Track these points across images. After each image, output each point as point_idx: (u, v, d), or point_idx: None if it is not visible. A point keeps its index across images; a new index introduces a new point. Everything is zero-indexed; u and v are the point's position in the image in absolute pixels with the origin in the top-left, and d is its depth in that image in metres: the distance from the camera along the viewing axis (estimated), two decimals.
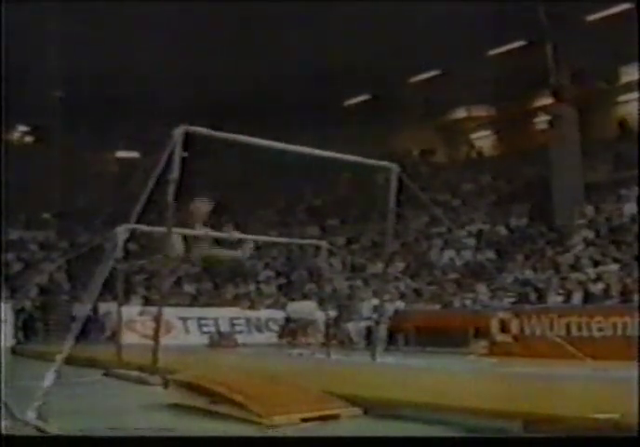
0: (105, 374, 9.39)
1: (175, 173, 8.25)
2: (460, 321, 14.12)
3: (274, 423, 5.35)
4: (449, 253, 19.55)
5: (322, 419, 5.56)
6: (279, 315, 17.67)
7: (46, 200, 25.32)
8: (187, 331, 17.36)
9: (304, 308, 16.66)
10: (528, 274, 16.17)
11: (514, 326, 12.78)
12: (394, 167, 10.46)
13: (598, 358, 9.86)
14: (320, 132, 20.43)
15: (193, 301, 20.22)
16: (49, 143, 26.17)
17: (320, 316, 15.49)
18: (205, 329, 17.51)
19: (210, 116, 12.60)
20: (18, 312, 16.93)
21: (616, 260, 14.81)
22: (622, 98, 21.74)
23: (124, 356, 10.36)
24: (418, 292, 17.14)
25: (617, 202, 17.98)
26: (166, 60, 20.23)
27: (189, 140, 8.27)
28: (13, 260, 21.61)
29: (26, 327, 17.48)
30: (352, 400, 5.94)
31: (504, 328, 12.93)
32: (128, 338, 13.21)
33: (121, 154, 28.78)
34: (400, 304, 16.05)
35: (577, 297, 13.69)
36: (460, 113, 26.90)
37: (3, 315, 13.76)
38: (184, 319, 17.38)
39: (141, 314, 16.00)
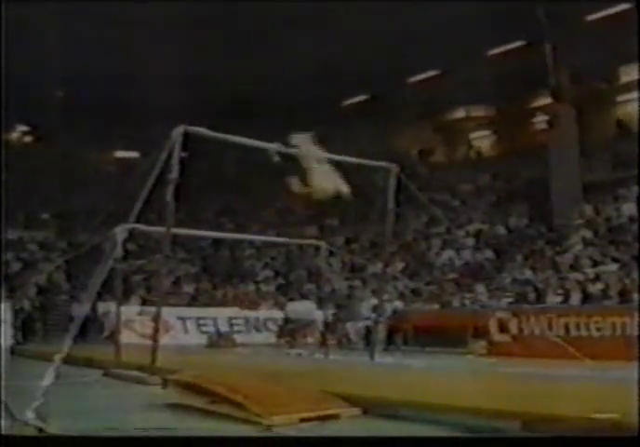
0: (105, 374, 9.39)
1: (174, 173, 8.26)
2: (458, 321, 14.13)
3: (273, 423, 5.35)
4: (448, 253, 19.56)
5: (321, 419, 5.56)
6: (278, 315, 17.67)
7: (46, 200, 25.33)
8: (186, 330, 17.36)
9: (303, 308, 16.66)
10: (527, 274, 16.19)
11: (513, 326, 12.80)
12: (393, 167, 10.48)
13: (597, 358, 9.87)
14: (320, 132, 20.39)
15: (192, 301, 20.23)
16: (49, 143, 26.18)
17: (319, 316, 15.50)
18: (203, 329, 17.51)
19: (210, 117, 12.61)
20: (17, 312, 16.89)
21: (615, 260, 14.82)
22: (621, 98, 21.73)
23: (123, 356, 10.36)
24: (416, 292, 17.16)
25: (615, 202, 17.99)
26: (166, 61, 20.21)
27: (188, 140, 8.28)
28: (12, 260, 21.60)
29: (25, 327, 17.45)
30: (350, 400, 5.94)
31: (503, 328, 12.94)
32: (127, 338, 13.20)
33: (120, 154, 28.77)
34: (399, 304, 16.05)
35: (576, 297, 13.70)
36: (459, 113, 26.89)
37: (2, 315, 13.73)
38: (183, 319, 17.38)
39: (140, 314, 15.99)
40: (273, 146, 7.98)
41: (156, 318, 9.40)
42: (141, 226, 9.79)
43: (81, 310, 8.74)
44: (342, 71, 21.14)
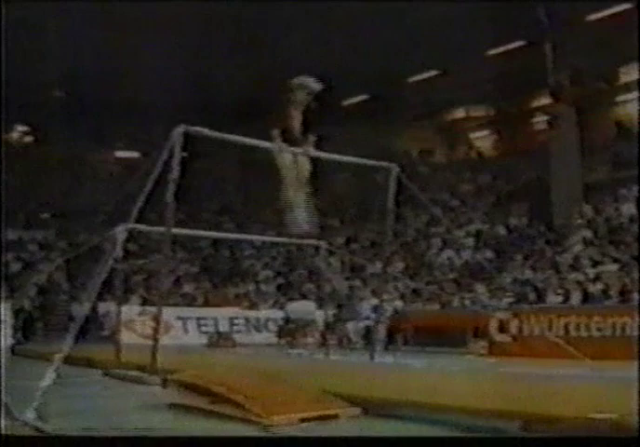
0: (105, 374, 9.39)
1: (174, 173, 8.27)
2: (458, 321, 14.13)
3: (273, 423, 5.35)
4: (448, 253, 19.56)
5: (321, 419, 5.56)
6: (278, 315, 17.68)
7: (46, 200, 25.32)
8: (186, 330, 17.38)
9: (303, 308, 16.66)
10: (527, 274, 16.19)
11: (513, 326, 12.80)
12: (393, 167, 10.48)
13: (597, 358, 9.87)
14: (319, 132, 20.37)
15: (192, 301, 20.23)
16: (49, 143, 26.16)
17: (319, 316, 15.50)
18: (204, 329, 17.53)
19: (210, 117, 12.61)
20: (17, 312, 16.89)
21: (615, 260, 14.82)
22: (621, 98, 21.71)
23: (123, 356, 10.36)
24: (417, 292, 17.16)
25: (615, 202, 17.99)
26: (166, 61, 20.21)
27: (188, 140, 8.28)
28: (12, 260, 21.59)
29: (25, 327, 17.45)
30: (350, 400, 5.94)
31: (503, 328, 12.94)
32: (127, 338, 13.21)
33: (121, 154, 28.75)
34: (399, 304, 16.06)
35: (576, 297, 13.70)
36: (459, 113, 26.85)
37: (2, 315, 13.73)
38: (183, 319, 17.41)
39: (141, 314, 16.00)
40: (275, 147, 7.97)
41: (156, 318, 9.40)
42: (141, 226, 9.80)
43: (81, 310, 8.73)
44: (342, 71, 21.11)
